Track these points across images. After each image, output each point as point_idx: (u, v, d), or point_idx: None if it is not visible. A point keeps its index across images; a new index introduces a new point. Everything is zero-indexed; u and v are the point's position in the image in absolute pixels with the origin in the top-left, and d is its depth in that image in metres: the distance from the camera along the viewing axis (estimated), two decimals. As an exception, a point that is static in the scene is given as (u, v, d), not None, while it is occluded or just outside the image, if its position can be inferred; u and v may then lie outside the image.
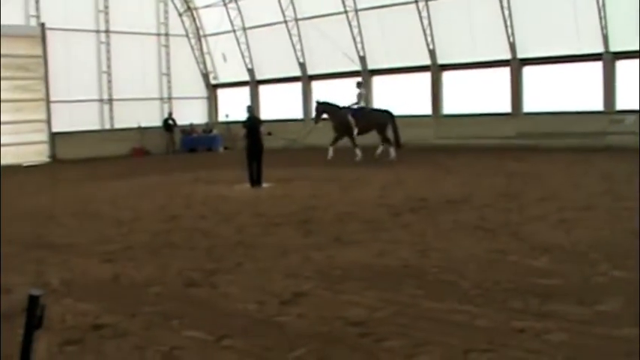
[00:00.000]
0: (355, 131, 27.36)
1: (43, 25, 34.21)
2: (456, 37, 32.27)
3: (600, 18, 27.90)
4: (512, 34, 30.63)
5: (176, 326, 7.04)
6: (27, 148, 33.66)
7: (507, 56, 31.13)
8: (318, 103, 28.28)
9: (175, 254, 10.79)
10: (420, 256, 9.76)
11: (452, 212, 13.80)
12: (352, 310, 7.26)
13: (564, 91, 29.58)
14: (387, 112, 28.16)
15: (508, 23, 30.52)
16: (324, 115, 28.11)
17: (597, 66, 28.73)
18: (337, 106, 28.06)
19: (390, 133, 27.48)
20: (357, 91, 28.35)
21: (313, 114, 28.98)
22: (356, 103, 28.12)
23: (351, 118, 27.34)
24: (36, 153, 34.09)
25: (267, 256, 10.32)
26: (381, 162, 25.80)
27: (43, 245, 12.10)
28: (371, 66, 35.93)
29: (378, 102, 35.84)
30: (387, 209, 14.53)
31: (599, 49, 28.34)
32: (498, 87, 31.76)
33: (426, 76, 34.02)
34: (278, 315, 7.26)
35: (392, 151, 26.98)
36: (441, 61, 33.45)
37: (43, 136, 34.69)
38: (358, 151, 26.80)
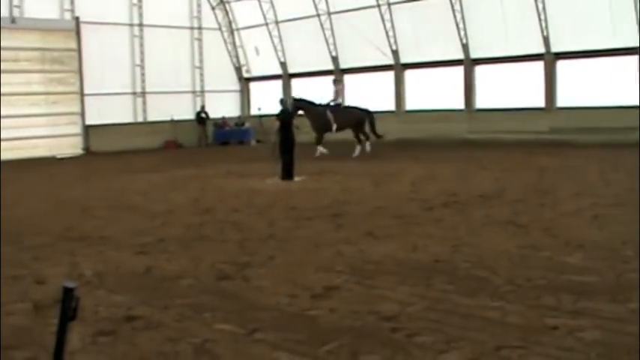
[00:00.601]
0: (334, 127, 27.68)
1: (77, 19, 34.43)
2: (489, 31, 32.04)
3: (636, 11, 27.58)
4: (546, 27, 30.36)
5: (208, 319, 7.06)
6: (61, 141, 33.95)
7: (541, 50, 30.86)
8: (295, 100, 28.41)
9: (208, 247, 10.84)
10: (452, 251, 9.74)
11: (484, 207, 13.75)
12: (384, 304, 7.26)
13: (598, 86, 29.31)
14: (365, 110, 28.55)
15: (542, 17, 30.25)
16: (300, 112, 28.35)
17: (632, 60, 28.39)
18: (313, 103, 28.21)
19: (367, 130, 27.97)
20: (334, 87, 28.56)
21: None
22: (333, 100, 28.33)
23: (329, 115, 27.51)
24: (70, 145, 34.37)
25: (299, 249, 10.35)
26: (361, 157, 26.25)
27: (77, 237, 12.19)
28: (403, 60, 35.80)
29: (410, 96, 35.81)
30: (419, 204, 14.50)
31: (635, 43, 28.01)
32: (532, 81, 31.51)
33: (459, 70, 33.84)
34: (310, 309, 7.27)
35: (368, 145, 27.52)
36: (473, 55, 33.24)
37: (77, 129, 34.94)
38: (321, 149, 27.35)
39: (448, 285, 7.91)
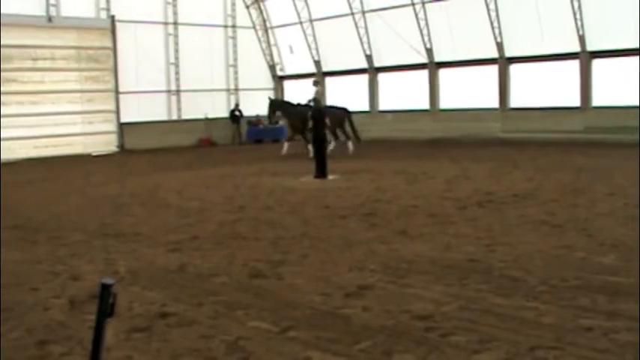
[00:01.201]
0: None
1: (113, 17, 34.72)
2: (524, 30, 31.84)
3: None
4: (582, 26, 30.11)
5: (241, 316, 7.09)
6: (96, 138, 34.23)
7: (576, 49, 30.62)
8: (271, 101, 28.55)
9: (241, 245, 10.88)
10: (486, 251, 9.69)
11: (518, 207, 13.66)
12: (417, 303, 7.24)
13: (635, 85, 28.98)
14: (344, 109, 28.87)
15: (577, 15, 30.01)
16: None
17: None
18: (291, 104, 28.32)
19: (347, 129, 28.28)
20: (314, 89, 28.63)
21: (379, 106, 29.08)
22: (313, 100, 28.46)
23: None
24: (105, 143, 34.64)
25: (332, 248, 10.35)
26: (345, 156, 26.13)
27: (112, 234, 12.30)
28: (437, 58, 35.70)
29: (445, 95, 35.70)
30: (452, 203, 14.45)
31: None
32: (567, 80, 31.26)
33: (493, 69, 33.68)
34: (343, 307, 7.27)
35: (350, 144, 27.75)
36: (508, 53, 33.06)
37: (112, 127, 35.20)
38: (310, 147, 27.02)
39: (482, 285, 7.88)
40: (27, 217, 14.58)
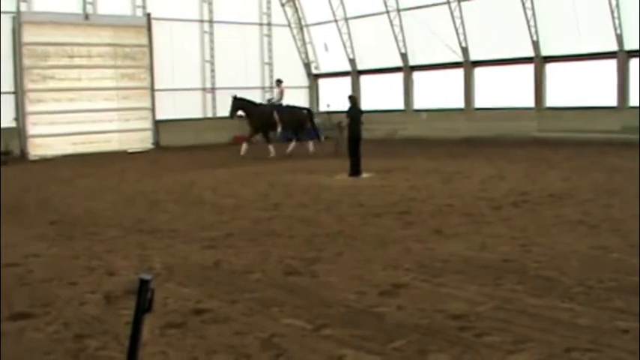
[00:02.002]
0: (279, 127, 28.39)
1: (149, 15, 34.96)
2: (560, 28, 31.58)
3: None
4: (620, 25, 29.80)
5: (276, 314, 7.12)
6: (132, 135, 34.47)
7: (614, 48, 30.32)
8: (235, 99, 28.52)
9: (276, 242, 10.91)
10: (521, 251, 9.64)
11: (554, 207, 13.57)
12: (452, 303, 7.23)
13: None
14: (306, 109, 29.84)
15: (615, 14, 29.71)
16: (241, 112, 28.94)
17: None
18: (254, 103, 28.39)
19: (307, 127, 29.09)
20: (277, 88, 28.88)
21: (414, 105, 28.97)
22: (277, 100, 28.77)
23: (275, 115, 27.71)
24: (140, 140, 34.85)
25: (366, 246, 10.36)
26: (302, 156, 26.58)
27: (147, 230, 12.40)
28: (473, 57, 35.53)
29: (480, 94, 35.52)
30: (487, 202, 14.38)
31: None
32: (604, 79, 30.97)
33: (529, 68, 33.44)
34: (377, 306, 7.28)
35: (311, 145, 28.38)
36: (544, 52, 32.82)
37: (148, 124, 35.40)
38: (272, 148, 27.62)
39: (517, 285, 7.84)
40: (63, 213, 14.76)
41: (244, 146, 27.73)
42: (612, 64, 30.70)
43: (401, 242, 10.49)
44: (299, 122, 28.74)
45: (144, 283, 2.67)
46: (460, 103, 36.15)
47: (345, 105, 21.40)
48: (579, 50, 31.26)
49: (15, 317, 7.12)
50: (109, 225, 13.03)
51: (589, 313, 6.73)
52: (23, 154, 30.81)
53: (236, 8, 38.58)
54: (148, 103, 35.25)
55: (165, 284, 8.30)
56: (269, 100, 39.22)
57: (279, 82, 29.94)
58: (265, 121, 28.09)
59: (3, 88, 30.28)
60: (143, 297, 2.67)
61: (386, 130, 33.40)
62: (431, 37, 35.40)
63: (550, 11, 31.72)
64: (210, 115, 38.90)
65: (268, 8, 40.99)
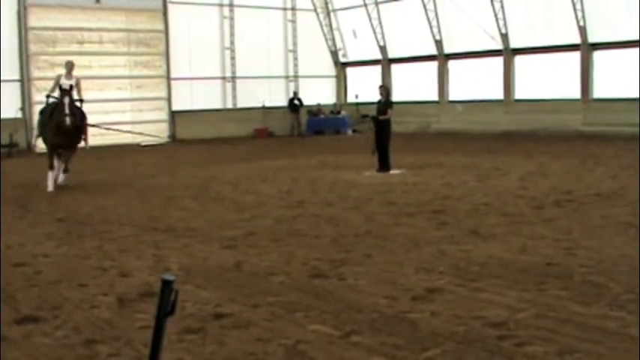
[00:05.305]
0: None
1: (165, -2, 35.12)
2: (609, 12, 31.31)
3: None
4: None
5: (301, 319, 7.12)
6: (146, 127, 34.55)
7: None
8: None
9: (300, 242, 10.92)
10: (566, 254, 9.57)
11: (601, 207, 13.47)
12: (490, 309, 7.19)
13: None
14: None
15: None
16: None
17: None
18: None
19: None
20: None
21: (449, 96, 28.74)
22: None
23: None
24: (155, 132, 34.94)
25: (398, 247, 10.32)
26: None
27: (163, 229, 12.45)
28: (513, 45, 35.34)
29: (520, 84, 35.33)
30: (528, 201, 14.31)
31: None
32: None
33: (575, 56, 33.21)
34: (410, 311, 7.25)
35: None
36: (591, 39, 32.55)
37: (163, 115, 35.57)
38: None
39: (561, 291, 7.79)
40: (73, 210, 14.85)
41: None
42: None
43: (434, 244, 10.45)
44: None
45: (166, 284, 2.67)
46: (499, 94, 35.95)
47: (374, 96, 21.34)
48: (630, 37, 30.95)
49: (21, 321, 7.16)
50: (121, 223, 13.09)
51: (640, 323, 6.68)
52: (30, 146, 30.98)
53: (258, -9, 38.64)
54: (163, 93, 35.43)
55: (182, 286, 8.29)
56: (295, 93, 39.32)
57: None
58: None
59: (6, 76, 30.42)
60: (166, 299, 2.66)
61: (418, 122, 33.46)
62: (468, 23, 35.24)
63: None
64: (230, 105, 39.02)
65: (293, -9, 41.06)
